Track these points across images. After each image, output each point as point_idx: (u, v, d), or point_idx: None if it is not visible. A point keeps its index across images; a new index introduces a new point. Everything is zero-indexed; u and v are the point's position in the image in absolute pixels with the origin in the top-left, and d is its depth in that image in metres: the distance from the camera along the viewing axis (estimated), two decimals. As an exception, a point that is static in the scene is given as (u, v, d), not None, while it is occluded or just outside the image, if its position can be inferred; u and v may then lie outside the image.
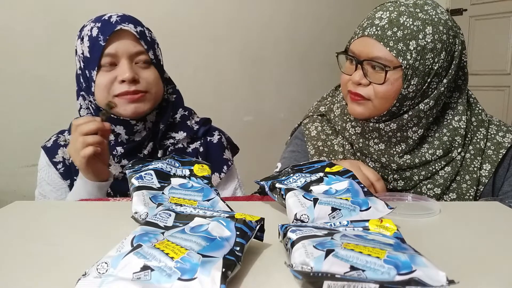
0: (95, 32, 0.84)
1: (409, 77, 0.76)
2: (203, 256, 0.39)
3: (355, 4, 2.97)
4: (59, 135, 0.96)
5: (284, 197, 0.59)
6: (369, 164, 0.88)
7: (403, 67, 0.75)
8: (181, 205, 0.53)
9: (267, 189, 0.65)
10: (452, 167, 0.83)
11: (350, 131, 0.89)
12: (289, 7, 2.76)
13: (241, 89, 2.69)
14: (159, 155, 0.92)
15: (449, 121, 0.84)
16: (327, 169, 0.66)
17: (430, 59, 0.76)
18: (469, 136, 0.85)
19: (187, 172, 0.69)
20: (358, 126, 0.86)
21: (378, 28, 0.76)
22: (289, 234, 0.44)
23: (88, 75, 0.86)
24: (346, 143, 0.92)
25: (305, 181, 0.64)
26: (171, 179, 0.66)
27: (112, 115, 0.86)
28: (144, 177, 0.64)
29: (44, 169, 0.93)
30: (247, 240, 0.44)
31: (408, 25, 0.75)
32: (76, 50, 0.89)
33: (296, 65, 2.85)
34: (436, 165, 0.83)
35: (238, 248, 0.42)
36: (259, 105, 2.76)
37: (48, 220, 0.62)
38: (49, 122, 1.81)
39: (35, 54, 2.07)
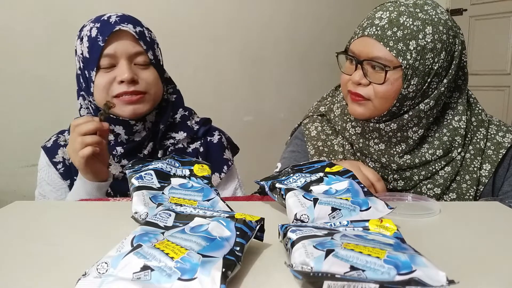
0: (94, 32, 0.84)
1: (409, 77, 0.76)
2: (203, 256, 0.39)
3: (355, 4, 2.97)
4: (59, 135, 0.96)
5: (284, 197, 0.59)
6: (369, 164, 0.88)
7: (403, 67, 0.75)
8: (181, 205, 0.53)
9: (267, 189, 0.65)
10: (452, 167, 0.83)
11: (350, 131, 0.89)
12: (289, 7, 2.76)
13: (241, 89, 2.69)
14: (159, 155, 0.92)
15: (449, 121, 0.84)
16: (327, 169, 0.66)
17: (430, 59, 0.76)
18: (469, 136, 0.85)
19: (187, 172, 0.69)
20: (358, 126, 0.86)
21: (378, 28, 0.76)
22: (289, 234, 0.44)
23: (87, 75, 0.86)
24: (346, 143, 0.92)
25: (305, 181, 0.64)
26: (171, 179, 0.66)
27: (111, 115, 0.86)
28: (144, 177, 0.64)
29: (44, 169, 0.93)
30: (247, 240, 0.44)
31: (408, 25, 0.75)
32: (75, 50, 0.89)
33: (296, 65, 2.85)
34: (436, 165, 0.83)
35: (238, 248, 0.42)
36: (259, 105, 2.76)
37: (48, 220, 0.62)
38: (49, 122, 1.81)
39: (35, 54, 2.07)
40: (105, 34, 0.83)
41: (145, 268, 0.37)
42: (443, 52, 0.77)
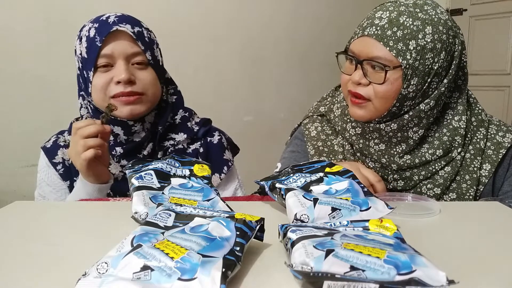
0: (92, 32, 0.84)
1: (409, 77, 0.76)
2: (203, 256, 0.39)
3: (355, 4, 2.97)
4: (58, 136, 0.96)
5: (284, 197, 0.59)
6: (369, 164, 0.88)
7: (403, 67, 0.75)
8: (181, 205, 0.53)
9: (267, 189, 0.65)
10: (452, 167, 0.83)
11: (350, 132, 0.89)
12: (289, 7, 2.76)
13: (241, 89, 2.69)
14: (158, 156, 0.92)
15: (449, 121, 0.84)
16: (327, 169, 0.66)
17: (430, 59, 0.76)
18: (469, 136, 0.85)
19: (187, 172, 0.69)
20: (358, 127, 0.86)
21: (378, 28, 0.76)
22: (289, 234, 0.44)
23: (85, 75, 0.86)
24: (346, 144, 0.92)
25: (305, 181, 0.64)
26: (171, 179, 0.66)
27: (111, 117, 0.86)
28: (144, 177, 0.64)
29: (43, 170, 0.93)
30: (247, 240, 0.44)
31: (408, 25, 0.75)
32: (75, 50, 0.89)
33: (296, 65, 2.85)
34: (436, 165, 0.83)
35: (238, 248, 0.42)
36: (259, 105, 2.76)
37: (48, 220, 0.62)
38: (49, 122, 1.82)
39: (35, 54, 2.07)
40: (103, 34, 0.83)
41: (145, 268, 0.37)
42: (443, 52, 0.77)
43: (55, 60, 2.08)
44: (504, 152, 0.83)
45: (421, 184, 0.85)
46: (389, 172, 0.86)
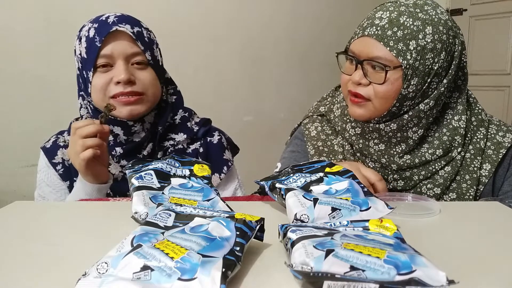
0: (92, 33, 0.84)
1: (409, 77, 0.76)
2: (203, 256, 0.39)
3: (355, 4, 2.97)
4: (58, 136, 0.96)
5: (284, 197, 0.59)
6: (369, 164, 0.88)
7: (403, 67, 0.75)
8: (181, 205, 0.53)
9: (267, 189, 0.65)
10: (452, 167, 0.83)
11: (350, 132, 0.89)
12: (289, 7, 2.76)
13: (241, 89, 2.69)
14: (158, 156, 0.92)
15: (448, 120, 0.84)
16: (327, 169, 0.66)
17: (430, 59, 0.76)
18: (469, 135, 0.85)
19: (187, 172, 0.69)
20: (358, 127, 0.86)
21: (378, 28, 0.76)
22: (289, 234, 0.44)
23: (85, 76, 0.86)
24: (346, 144, 0.92)
25: (305, 181, 0.64)
26: (171, 179, 0.66)
27: (110, 117, 0.86)
28: (144, 177, 0.64)
29: (43, 170, 0.93)
30: (247, 240, 0.44)
31: (408, 25, 0.75)
32: (74, 50, 0.89)
33: (296, 65, 2.85)
34: (436, 164, 0.83)
35: (238, 248, 0.42)
36: (259, 105, 2.76)
37: (48, 220, 0.62)
38: (49, 122, 1.82)
39: (35, 54, 2.07)
40: (102, 34, 0.83)
41: (145, 268, 0.37)
42: (443, 52, 0.77)
43: (55, 60, 2.08)
44: (504, 152, 0.83)
45: (421, 184, 0.85)
46: (389, 172, 0.86)
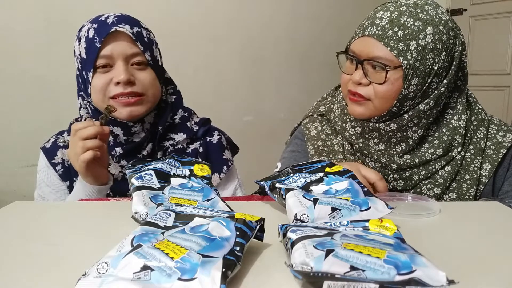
0: (91, 33, 0.84)
1: (409, 77, 0.76)
2: (203, 256, 0.39)
3: (355, 4, 2.97)
4: (58, 136, 0.96)
5: (284, 197, 0.59)
6: (369, 164, 0.88)
7: (403, 67, 0.75)
8: (181, 205, 0.53)
9: (267, 189, 0.65)
10: (452, 167, 0.83)
11: (350, 131, 0.89)
12: (289, 7, 2.76)
13: (241, 89, 2.69)
14: (158, 156, 0.92)
15: (448, 120, 0.84)
16: (327, 169, 0.66)
17: (431, 59, 0.76)
18: (469, 135, 0.85)
19: (187, 172, 0.69)
20: (358, 126, 0.86)
21: (379, 28, 0.76)
22: (289, 234, 0.44)
23: (85, 76, 0.86)
24: (346, 143, 0.92)
25: (305, 181, 0.64)
26: (171, 179, 0.66)
27: (110, 118, 0.86)
28: (144, 177, 0.64)
29: (43, 170, 0.93)
30: (247, 240, 0.44)
31: (408, 25, 0.75)
32: (74, 50, 0.89)
33: (296, 65, 2.85)
34: (436, 164, 0.83)
35: (238, 248, 0.42)
36: (259, 105, 2.76)
37: (48, 220, 0.62)
38: (49, 122, 1.82)
39: (35, 54, 2.08)
40: (102, 35, 0.82)
41: (145, 268, 0.37)
42: (444, 52, 0.77)
43: (55, 60, 2.08)
44: (504, 152, 0.83)
45: (421, 184, 0.85)
46: (389, 172, 0.86)
